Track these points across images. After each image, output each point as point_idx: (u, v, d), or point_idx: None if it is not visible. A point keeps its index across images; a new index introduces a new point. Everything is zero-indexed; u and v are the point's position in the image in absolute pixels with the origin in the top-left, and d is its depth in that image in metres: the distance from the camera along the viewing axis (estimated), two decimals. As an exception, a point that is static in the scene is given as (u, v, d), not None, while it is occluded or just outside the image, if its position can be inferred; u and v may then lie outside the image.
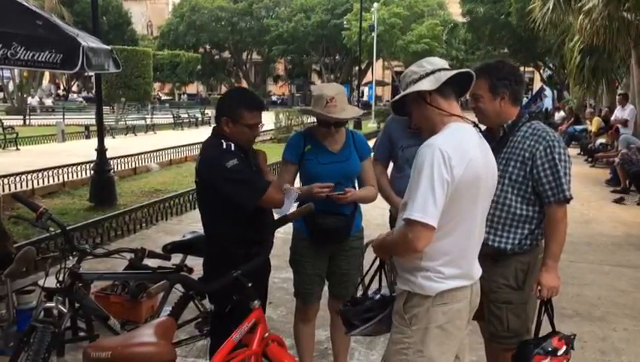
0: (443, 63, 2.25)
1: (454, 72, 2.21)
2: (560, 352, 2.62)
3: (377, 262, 2.63)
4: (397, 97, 2.31)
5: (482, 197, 2.20)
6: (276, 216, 2.82)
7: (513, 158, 2.71)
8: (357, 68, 35.85)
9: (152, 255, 3.30)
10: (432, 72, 2.19)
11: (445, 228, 2.09)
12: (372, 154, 3.41)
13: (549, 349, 2.62)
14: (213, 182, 2.69)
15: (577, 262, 6.01)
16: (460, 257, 2.17)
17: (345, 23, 37.89)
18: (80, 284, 3.21)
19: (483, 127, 2.64)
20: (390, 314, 2.43)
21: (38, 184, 9.77)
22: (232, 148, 2.67)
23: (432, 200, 2.00)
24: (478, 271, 2.29)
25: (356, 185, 3.30)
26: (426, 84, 2.17)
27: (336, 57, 47.49)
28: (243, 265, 2.50)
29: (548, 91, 19.99)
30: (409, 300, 2.18)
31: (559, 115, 20.86)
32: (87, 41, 4.76)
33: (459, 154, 2.05)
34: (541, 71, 34.39)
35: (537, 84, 25.81)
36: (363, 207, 3.37)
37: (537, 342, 2.69)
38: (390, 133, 3.43)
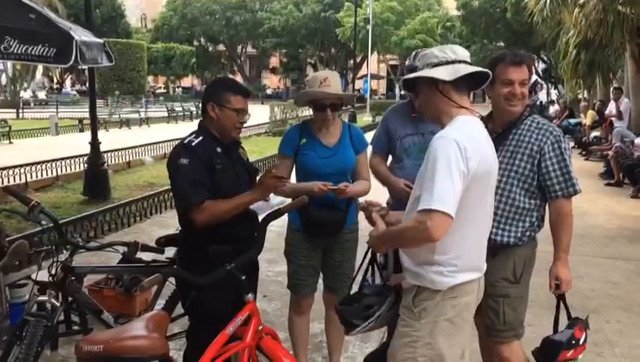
0: (466, 55, 2.21)
1: (474, 69, 2.19)
2: (582, 341, 2.67)
3: (368, 257, 2.59)
4: (411, 76, 2.28)
5: (491, 190, 2.21)
6: (261, 216, 2.80)
7: (519, 152, 2.72)
8: (352, 61, 35.77)
9: (146, 248, 3.29)
10: (452, 62, 2.16)
11: (458, 221, 2.07)
12: (368, 147, 3.40)
13: (573, 342, 2.65)
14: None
15: (571, 254, 5.88)
16: (470, 250, 2.17)
17: (339, 18, 37.79)
18: (73, 278, 3.20)
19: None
20: (387, 310, 2.40)
21: (31, 177, 9.74)
22: (194, 143, 2.67)
23: (452, 190, 1.99)
24: (485, 263, 2.30)
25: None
26: (444, 73, 2.14)
27: (331, 50, 47.39)
28: (237, 258, 2.49)
29: (542, 85, 20.08)
30: (418, 294, 2.18)
31: (554, 109, 20.93)
32: (81, 34, 4.73)
33: (473, 147, 2.05)
34: (536, 64, 34.43)
35: (532, 78, 25.84)
36: (359, 199, 3.36)
37: (561, 336, 2.72)
38: (388, 125, 3.41)
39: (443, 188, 1.99)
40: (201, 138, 2.71)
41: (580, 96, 20.81)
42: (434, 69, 2.17)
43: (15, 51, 4.02)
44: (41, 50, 4.15)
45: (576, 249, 6.19)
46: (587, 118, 15.88)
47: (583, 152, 14.51)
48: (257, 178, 2.88)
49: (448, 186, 1.99)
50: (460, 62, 2.17)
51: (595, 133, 14.71)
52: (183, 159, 2.62)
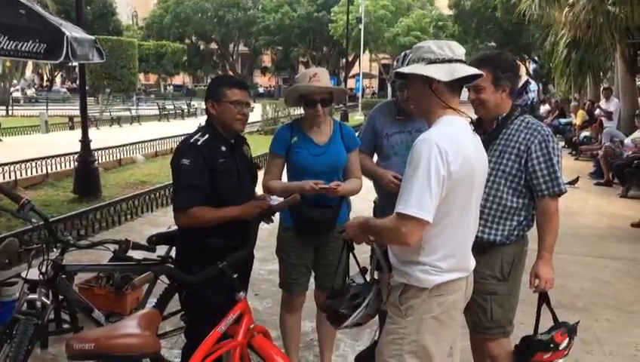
0: (463, 53, 2.17)
1: (471, 70, 2.17)
2: (562, 346, 2.66)
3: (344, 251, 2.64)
4: (405, 70, 2.21)
5: (476, 191, 2.21)
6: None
7: (507, 151, 2.73)
8: (344, 60, 35.79)
9: (137, 246, 3.28)
10: (450, 61, 2.12)
11: (442, 223, 2.09)
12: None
13: (551, 345, 2.66)
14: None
15: (561, 253, 6.05)
16: (456, 250, 2.18)
17: (332, 15, 37.81)
18: (63, 276, 3.18)
19: (473, 117, 2.64)
20: (376, 297, 2.44)
21: (21, 175, 9.66)
22: (200, 143, 2.73)
23: (429, 195, 1.99)
24: (472, 263, 2.31)
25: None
26: (441, 73, 2.09)
27: (323, 49, 47.38)
28: (229, 256, 2.49)
29: (533, 85, 20.13)
30: (405, 292, 2.19)
31: (544, 109, 21.01)
32: (71, 31, 4.70)
33: (455, 150, 2.04)
34: (527, 64, 34.58)
35: (523, 78, 25.88)
36: (350, 198, 3.37)
37: (540, 337, 2.73)
38: (374, 123, 3.42)
39: (420, 192, 1.99)
40: (207, 136, 2.76)
41: (571, 97, 20.91)
42: (429, 65, 2.12)
43: (5, 47, 3.99)
44: (32, 47, 4.13)
45: (566, 248, 6.29)
46: (577, 118, 15.97)
47: (573, 152, 14.60)
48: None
49: (426, 191, 1.99)
50: (456, 61, 2.13)
51: (585, 133, 14.79)
52: (185, 159, 2.69)
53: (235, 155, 2.85)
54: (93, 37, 5.30)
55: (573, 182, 10.12)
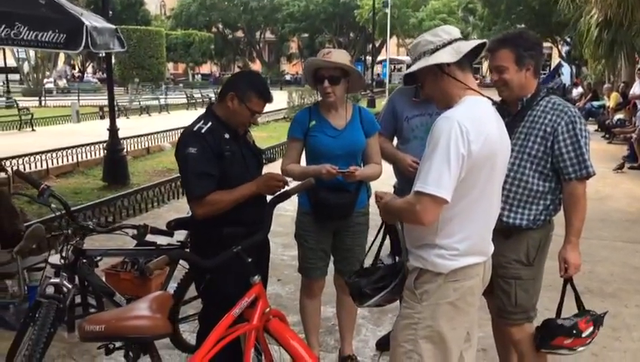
0: (458, 32, 2.16)
1: (475, 42, 2.13)
2: (585, 334, 2.60)
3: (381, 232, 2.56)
4: (413, 69, 2.18)
5: (498, 173, 2.16)
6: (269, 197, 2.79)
7: (533, 133, 2.64)
8: (370, 45, 35.47)
9: (155, 231, 3.30)
10: (450, 43, 2.10)
11: (461, 204, 2.04)
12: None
13: (574, 331, 2.60)
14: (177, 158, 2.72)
15: (590, 238, 5.91)
16: (475, 233, 2.13)
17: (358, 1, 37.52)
18: (84, 261, 3.23)
19: (497, 100, 2.57)
20: (401, 282, 2.39)
21: (52, 164, 9.90)
22: (203, 130, 2.66)
23: (448, 174, 1.95)
24: (491, 247, 2.26)
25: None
26: (446, 56, 2.07)
27: (350, 35, 47.05)
28: (244, 240, 2.48)
29: (566, 67, 19.67)
30: (420, 276, 2.16)
31: (577, 91, 20.52)
32: (91, 20, 4.74)
33: (476, 129, 1.99)
34: (559, 46, 33.73)
35: (555, 60, 25.26)
36: (370, 183, 3.32)
37: (563, 322, 2.67)
38: (394, 106, 3.36)
39: (439, 171, 1.95)
40: (210, 124, 2.69)
41: (604, 78, 20.32)
42: (434, 55, 2.10)
43: (25, 37, 4.02)
44: (51, 37, 4.16)
45: (595, 233, 6.15)
46: (611, 100, 15.54)
47: (607, 135, 14.21)
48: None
49: (445, 169, 1.95)
50: (456, 40, 2.11)
51: (618, 116, 14.38)
52: (192, 148, 2.61)
53: (238, 143, 2.79)
54: (114, 26, 5.33)
55: (620, 167, 9.92)
